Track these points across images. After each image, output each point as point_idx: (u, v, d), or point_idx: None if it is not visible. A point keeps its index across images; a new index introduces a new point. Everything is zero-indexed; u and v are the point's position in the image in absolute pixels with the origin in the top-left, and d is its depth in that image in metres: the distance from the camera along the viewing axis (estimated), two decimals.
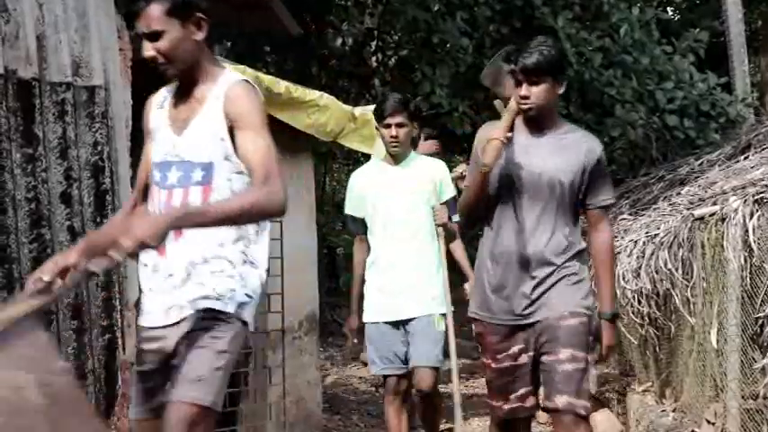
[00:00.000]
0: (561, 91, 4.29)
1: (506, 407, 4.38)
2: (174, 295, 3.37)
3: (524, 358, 4.29)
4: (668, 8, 17.57)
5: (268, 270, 3.58)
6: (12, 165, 4.47)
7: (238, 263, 3.38)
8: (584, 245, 4.37)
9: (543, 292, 4.25)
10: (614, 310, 4.40)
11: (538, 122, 4.30)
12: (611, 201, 4.47)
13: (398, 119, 5.63)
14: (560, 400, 4.08)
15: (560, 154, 4.27)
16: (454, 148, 13.24)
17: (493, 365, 4.37)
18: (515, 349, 4.30)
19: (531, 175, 4.24)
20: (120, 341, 4.91)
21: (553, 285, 4.25)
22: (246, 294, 3.39)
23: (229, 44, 12.20)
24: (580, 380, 4.12)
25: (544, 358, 4.21)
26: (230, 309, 3.34)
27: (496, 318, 4.34)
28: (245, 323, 3.40)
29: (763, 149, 7.79)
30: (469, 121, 11.66)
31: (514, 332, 4.30)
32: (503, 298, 4.31)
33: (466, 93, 12.12)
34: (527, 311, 4.26)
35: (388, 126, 5.64)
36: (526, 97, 4.17)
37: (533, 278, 4.25)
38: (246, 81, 3.42)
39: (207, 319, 3.32)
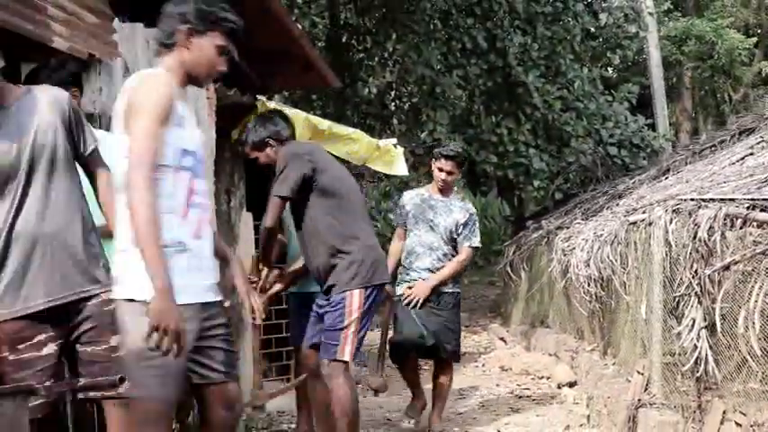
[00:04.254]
0: None
1: None
2: None
3: None
4: (609, 68, 17.62)
5: None
6: None
7: None
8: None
9: None
10: None
11: None
12: (95, 145, 2.97)
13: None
14: None
15: (20, 125, 2.78)
16: None
17: None
18: None
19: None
20: None
21: None
22: None
23: (287, 94, 12.25)
24: None
25: None
26: None
27: None
28: None
29: (678, 172, 7.76)
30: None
31: None
32: None
33: (460, 129, 12.12)
34: None
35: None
36: None
37: None
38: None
39: None
